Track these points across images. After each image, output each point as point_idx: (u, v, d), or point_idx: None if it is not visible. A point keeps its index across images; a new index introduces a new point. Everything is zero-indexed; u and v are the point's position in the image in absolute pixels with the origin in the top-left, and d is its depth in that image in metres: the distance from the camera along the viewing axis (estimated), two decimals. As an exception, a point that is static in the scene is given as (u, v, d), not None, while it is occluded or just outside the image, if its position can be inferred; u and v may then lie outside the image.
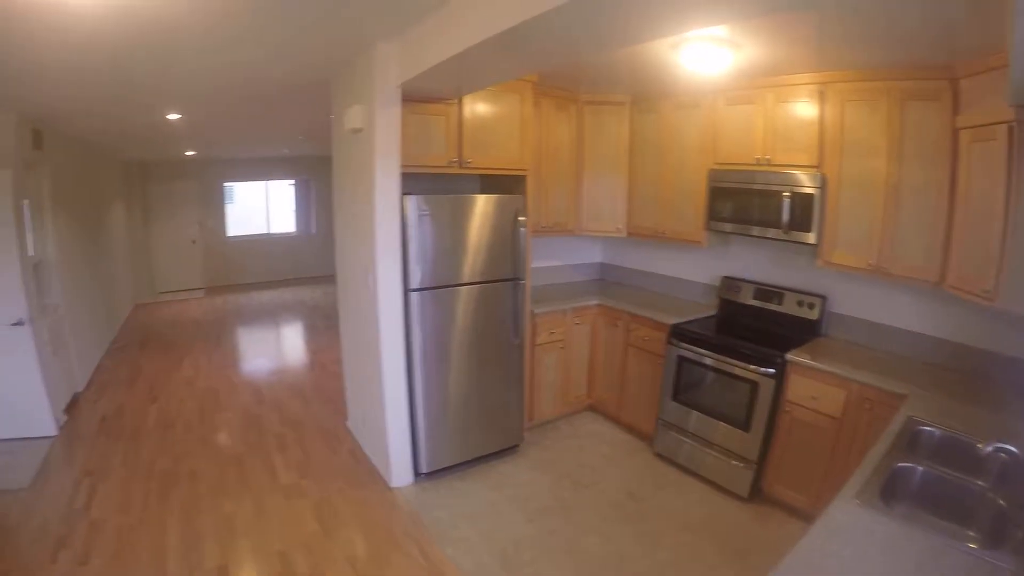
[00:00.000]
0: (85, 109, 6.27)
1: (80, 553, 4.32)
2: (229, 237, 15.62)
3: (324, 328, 11.04)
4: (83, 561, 4.22)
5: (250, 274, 15.76)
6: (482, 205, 4.87)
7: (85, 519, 4.76)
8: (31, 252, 6.36)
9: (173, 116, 7.05)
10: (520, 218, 5.05)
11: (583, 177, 6.20)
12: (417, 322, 4.75)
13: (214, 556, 4.21)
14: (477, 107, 4.96)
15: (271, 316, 12.46)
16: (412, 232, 4.61)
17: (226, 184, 15.48)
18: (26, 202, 6.24)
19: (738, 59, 4.10)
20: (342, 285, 5.88)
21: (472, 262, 4.90)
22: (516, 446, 5.51)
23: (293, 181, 16.20)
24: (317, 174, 15.75)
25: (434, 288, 4.78)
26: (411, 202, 4.56)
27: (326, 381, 7.84)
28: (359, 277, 5.08)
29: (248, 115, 7.61)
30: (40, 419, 6.33)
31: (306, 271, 16.29)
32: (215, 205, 15.28)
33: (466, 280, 4.90)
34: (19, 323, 5.97)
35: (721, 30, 3.62)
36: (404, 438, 4.95)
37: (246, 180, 15.81)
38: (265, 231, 16.33)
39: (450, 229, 4.77)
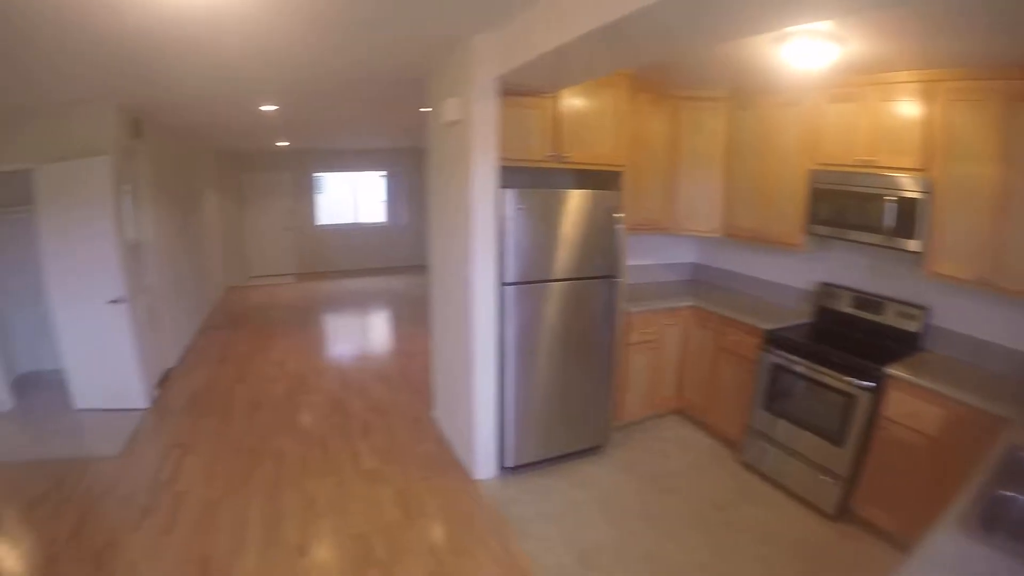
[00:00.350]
0: (182, 100, 6.50)
1: (164, 522, 4.46)
2: (319, 226, 15.99)
3: (411, 317, 10.98)
4: (167, 530, 4.36)
5: (339, 262, 16.06)
6: (578, 201, 4.77)
7: (171, 490, 4.92)
8: (130, 234, 6.60)
9: (268, 107, 7.24)
10: (616, 215, 4.93)
11: (679, 174, 6.02)
12: (510, 316, 4.70)
13: (294, 534, 4.27)
14: (574, 101, 4.88)
15: (359, 304, 12.62)
16: (509, 226, 4.55)
17: (317, 174, 15.81)
18: (126, 187, 6.48)
19: (842, 54, 3.87)
20: (435, 276, 5.87)
21: (567, 258, 4.82)
22: (601, 446, 5.40)
23: (385, 172, 16.37)
24: (408, 166, 15.92)
25: (528, 283, 4.72)
26: (509, 196, 4.51)
27: (412, 370, 7.84)
28: (453, 269, 5.07)
29: (342, 107, 7.75)
30: (133, 392, 6.59)
31: (395, 261, 16.44)
32: (306, 194, 15.68)
33: (560, 276, 4.83)
34: (117, 301, 6.22)
35: (826, 24, 3.46)
36: (491, 431, 4.92)
37: (337, 171, 16.06)
38: (353, 221, 16.59)
39: (546, 224, 4.70)
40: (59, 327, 6.44)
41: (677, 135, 5.95)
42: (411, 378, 7.53)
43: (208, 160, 12.45)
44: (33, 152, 6.14)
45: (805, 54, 3.79)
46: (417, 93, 5.84)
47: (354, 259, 16.21)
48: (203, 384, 7.44)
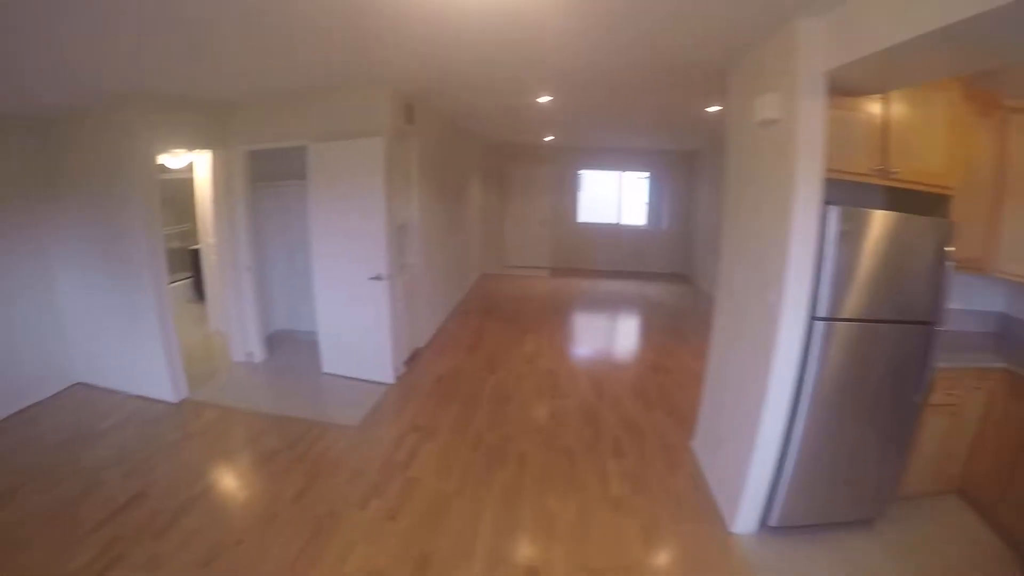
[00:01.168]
0: (459, 88, 6.49)
1: (391, 506, 4.32)
2: (578, 223, 15.77)
3: (669, 329, 9.96)
4: (392, 516, 4.21)
5: (594, 261, 15.73)
6: (906, 227, 3.87)
7: (403, 474, 4.77)
8: (397, 215, 6.68)
9: (543, 99, 7.01)
10: (947, 248, 3.94)
11: (1004, 203, 4.70)
12: (815, 356, 3.91)
13: (525, 553, 3.89)
14: (902, 106, 4.01)
15: (614, 306, 11.96)
16: (829, 250, 3.78)
17: (580, 171, 15.59)
18: (396, 169, 6.57)
19: None
20: (724, 295, 5.09)
21: (881, 295, 3.92)
22: (872, 520, 4.46)
23: (647, 174, 15.70)
24: (671, 169, 15.22)
25: (840, 320, 3.90)
26: (833, 214, 3.74)
27: (669, 388, 7.08)
28: (754, 292, 4.36)
29: (619, 104, 7.36)
30: (381, 366, 6.62)
31: (651, 266, 15.73)
32: (567, 190, 15.52)
33: (871, 315, 3.95)
34: (378, 277, 6.27)
35: None
36: (764, 482, 4.18)
37: (599, 169, 15.70)
38: (614, 221, 16.05)
39: (866, 252, 3.85)
40: (318, 294, 6.71)
41: (1005, 154, 4.64)
42: (668, 397, 6.77)
43: (474, 150, 12.57)
44: (309, 130, 6.43)
45: None
46: (698, 91, 5.51)
47: (609, 260, 15.78)
48: (450, 369, 7.33)
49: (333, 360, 6.83)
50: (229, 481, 4.65)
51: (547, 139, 13.17)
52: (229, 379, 6.86)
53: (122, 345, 6.21)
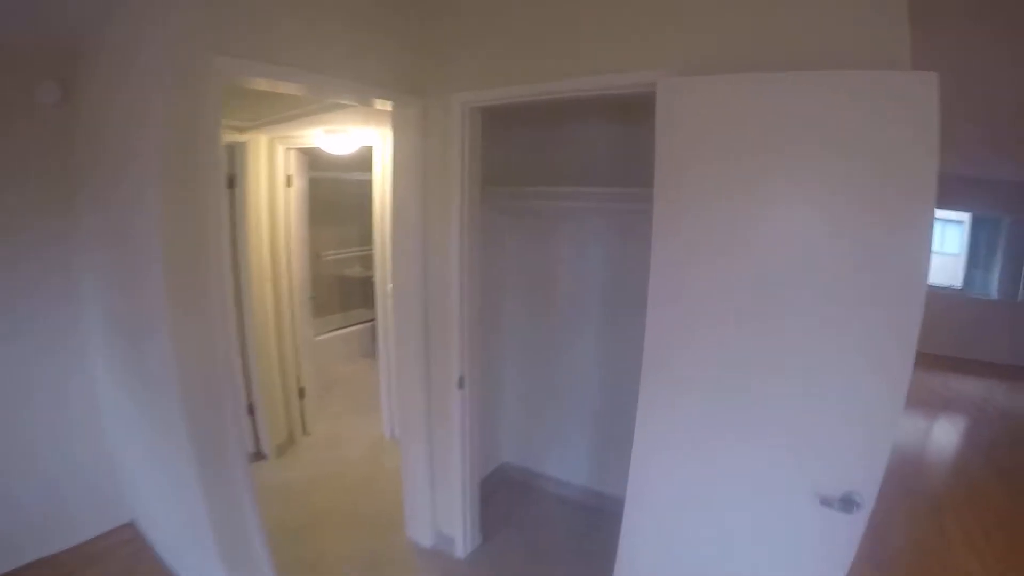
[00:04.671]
0: None
1: None
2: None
3: None
4: None
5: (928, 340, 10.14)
6: None
7: None
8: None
9: None
10: None
11: None
12: None
13: None
14: None
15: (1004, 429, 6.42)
16: None
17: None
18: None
19: None
20: None
21: None
22: None
23: (966, 215, 10.87)
24: (1007, 207, 9.73)
25: None
26: None
27: None
28: None
29: None
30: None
31: (972, 351, 9.68)
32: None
33: None
34: (845, 503, 2.08)
35: None
36: None
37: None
38: (946, 284, 11.01)
39: None
40: (640, 491, 2.66)
41: None
42: None
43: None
44: (647, 51, 2.64)
45: None
46: None
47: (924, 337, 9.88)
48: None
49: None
50: None
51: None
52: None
53: (170, 501, 3.15)
